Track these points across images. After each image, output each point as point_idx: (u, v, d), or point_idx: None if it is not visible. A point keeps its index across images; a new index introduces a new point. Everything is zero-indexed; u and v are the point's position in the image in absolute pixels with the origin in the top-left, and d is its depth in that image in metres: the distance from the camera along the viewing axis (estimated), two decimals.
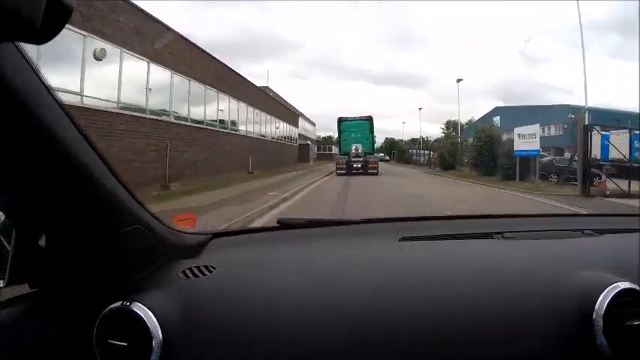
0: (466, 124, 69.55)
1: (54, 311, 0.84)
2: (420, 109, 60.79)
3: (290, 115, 37.47)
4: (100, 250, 0.81)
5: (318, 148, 67.66)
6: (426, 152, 41.79)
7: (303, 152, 41.43)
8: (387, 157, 71.60)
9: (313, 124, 65.94)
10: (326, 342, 0.80)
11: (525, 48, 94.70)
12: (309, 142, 45.02)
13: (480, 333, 0.83)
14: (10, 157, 0.65)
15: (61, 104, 0.65)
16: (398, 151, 55.41)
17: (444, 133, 67.77)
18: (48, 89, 0.62)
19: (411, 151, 48.70)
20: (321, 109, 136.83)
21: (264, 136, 26.21)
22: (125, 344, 0.76)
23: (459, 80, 37.27)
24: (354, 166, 21.64)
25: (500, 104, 60.65)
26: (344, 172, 21.39)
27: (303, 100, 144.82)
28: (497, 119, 42.68)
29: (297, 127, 39.95)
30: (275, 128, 29.67)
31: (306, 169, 28.44)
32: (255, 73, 53.27)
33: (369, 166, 21.71)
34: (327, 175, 22.48)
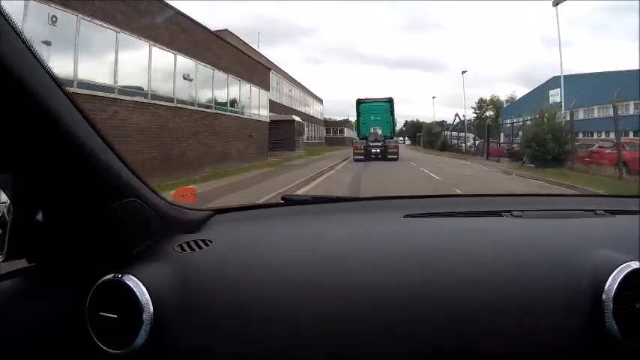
0: (506, 101, 61.20)
1: (51, 285, 0.86)
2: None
3: (250, 67, 21.11)
4: (96, 223, 0.83)
5: (327, 131, 60.53)
6: (473, 136, 33.98)
7: (284, 134, 25.58)
8: (409, 141, 67.50)
9: (319, 100, 56.19)
10: (326, 315, 0.81)
11: (545, 32, 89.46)
12: (295, 119, 28.68)
13: (487, 308, 0.84)
14: (5, 131, 0.67)
15: (55, 78, 0.68)
16: (426, 134, 45.28)
17: (476, 113, 58.67)
18: (41, 63, 0.65)
19: (448, 133, 39.68)
20: (339, 94, 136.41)
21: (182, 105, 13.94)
22: (115, 316, 0.78)
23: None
24: (373, 151, 21.15)
25: (522, 89, 55.04)
26: (362, 157, 20.88)
27: (319, 86, 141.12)
28: (555, 93, 35.49)
29: (268, 90, 23.90)
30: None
31: (269, 168, 16.35)
32: (270, 57, 37.92)
33: (389, 150, 21.13)
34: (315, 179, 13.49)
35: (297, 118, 29.45)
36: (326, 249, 0.96)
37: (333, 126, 62.76)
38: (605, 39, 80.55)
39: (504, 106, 59.09)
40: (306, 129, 42.95)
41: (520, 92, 47.93)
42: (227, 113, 17.87)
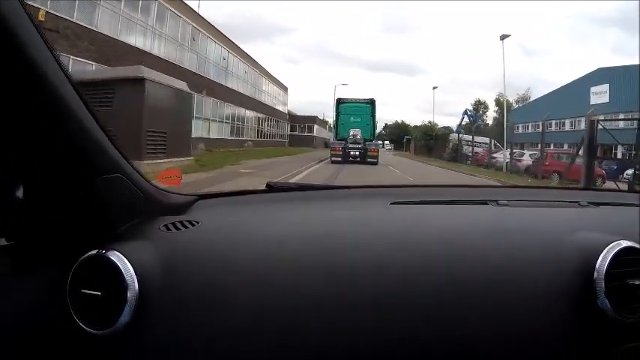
0: (516, 101, 51.53)
1: (31, 263, 0.85)
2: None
3: None
4: (79, 198, 0.81)
5: (292, 128, 49.41)
6: (495, 142, 24.07)
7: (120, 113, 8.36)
8: (389, 146, 65.07)
9: (283, 87, 43.67)
10: (313, 296, 0.81)
11: (525, 40, 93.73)
12: (151, 76, 9.66)
13: (478, 296, 0.84)
14: None
15: (52, 50, 0.66)
16: (422, 137, 33.43)
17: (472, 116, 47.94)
18: (32, 20, 0.62)
19: (456, 135, 28.78)
20: (317, 95, 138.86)
21: None
22: (99, 294, 0.76)
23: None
24: (352, 153, 20.18)
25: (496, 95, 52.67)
26: (339, 159, 19.81)
27: (297, 86, 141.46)
28: (600, 90, 30.18)
29: None
30: None
31: None
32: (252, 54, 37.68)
33: (369, 154, 20.27)
34: None
35: (163, 79, 10.48)
36: (312, 232, 0.96)
37: (299, 122, 50.54)
38: (584, 48, 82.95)
39: (514, 107, 48.99)
40: (252, 121, 30.36)
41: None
42: None
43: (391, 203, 1.12)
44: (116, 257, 0.78)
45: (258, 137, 33.95)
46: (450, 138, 28.40)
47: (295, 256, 0.86)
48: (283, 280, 0.82)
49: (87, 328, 0.75)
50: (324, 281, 0.82)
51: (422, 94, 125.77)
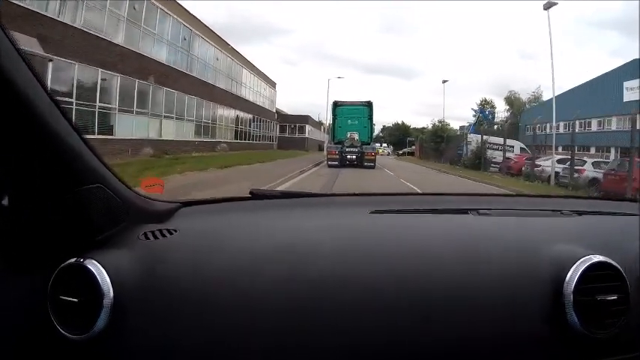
0: (527, 101, 46.66)
1: (12, 271, 0.87)
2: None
3: None
4: (61, 208, 0.84)
5: (282, 129, 44.80)
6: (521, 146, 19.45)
7: None
8: (388, 149, 62.40)
9: (270, 82, 38.67)
10: (289, 305, 0.83)
11: (523, 45, 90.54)
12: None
13: (450, 304, 0.86)
14: None
15: (23, 56, 0.68)
16: (431, 138, 28.62)
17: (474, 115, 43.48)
18: (10, 40, 0.65)
19: (475, 136, 24.09)
20: (312, 97, 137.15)
21: None
22: (76, 300, 0.80)
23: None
24: (348, 157, 19.71)
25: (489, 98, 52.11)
26: (336, 163, 19.46)
27: (293, 88, 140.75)
28: (633, 86, 25.74)
29: None
30: None
31: None
32: (249, 56, 39.09)
33: (366, 157, 19.83)
34: None
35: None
36: (292, 241, 0.97)
37: (290, 122, 45.45)
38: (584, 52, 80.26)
39: (526, 107, 44.23)
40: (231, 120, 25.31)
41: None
42: None
43: (371, 212, 1.13)
44: (93, 266, 0.81)
45: (236, 139, 28.84)
46: (469, 139, 23.30)
47: (271, 269, 0.87)
48: (255, 292, 0.83)
49: (66, 334, 0.78)
50: (302, 291, 0.84)
51: (419, 97, 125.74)
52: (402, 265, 0.90)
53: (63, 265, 0.82)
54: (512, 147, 21.95)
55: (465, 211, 1.17)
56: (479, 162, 20.49)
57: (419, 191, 9.99)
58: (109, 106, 14.80)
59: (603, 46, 74.90)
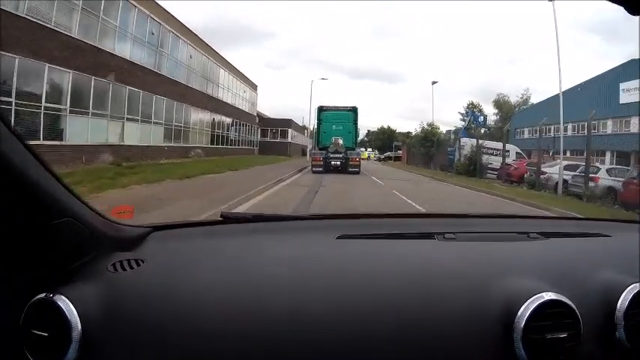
0: (516, 106, 46.02)
1: None
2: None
3: None
4: (30, 243, 0.85)
5: (263, 133, 43.27)
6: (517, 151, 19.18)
7: None
8: (372, 153, 61.42)
9: (251, 84, 37.16)
10: (249, 338, 0.85)
11: (508, 50, 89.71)
12: None
13: (403, 335, 0.88)
14: None
15: None
16: (421, 142, 27.35)
17: (464, 120, 42.66)
18: None
19: (468, 140, 22.58)
20: (296, 101, 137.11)
21: None
22: (46, 334, 0.83)
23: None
24: (333, 163, 19.81)
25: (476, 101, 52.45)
26: (321, 169, 19.40)
27: (280, 92, 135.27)
28: (630, 87, 24.87)
29: None
30: None
31: None
32: (230, 59, 36.67)
33: (351, 163, 19.81)
34: None
35: None
36: (258, 272, 0.98)
37: (272, 126, 43.75)
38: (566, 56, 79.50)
39: (515, 110, 43.56)
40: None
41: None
42: None
43: (338, 237, 1.14)
44: (61, 301, 0.84)
45: (213, 144, 27.02)
46: (462, 143, 21.92)
47: (232, 301, 0.89)
48: (215, 325, 0.85)
49: None
50: (266, 323, 0.86)
51: (403, 102, 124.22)
52: (357, 297, 0.91)
53: (33, 300, 0.84)
54: (508, 152, 20.38)
55: (430, 236, 1.18)
56: (474, 168, 19.12)
57: (417, 207, 8.97)
58: (59, 106, 12.76)
59: (596, 49, 75.60)
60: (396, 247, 1.13)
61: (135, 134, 17.10)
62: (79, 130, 13.58)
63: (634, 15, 0.54)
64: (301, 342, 0.84)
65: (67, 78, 13.06)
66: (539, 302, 0.87)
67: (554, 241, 1.19)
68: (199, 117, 24.90)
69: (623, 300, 0.92)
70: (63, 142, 12.77)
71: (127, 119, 16.51)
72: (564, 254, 1.13)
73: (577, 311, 0.88)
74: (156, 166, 14.24)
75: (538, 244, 1.18)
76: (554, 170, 13.48)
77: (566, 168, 13.17)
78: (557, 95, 34.63)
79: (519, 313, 0.86)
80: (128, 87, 16.41)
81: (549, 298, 0.88)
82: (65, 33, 12.88)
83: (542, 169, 13.98)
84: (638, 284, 0.94)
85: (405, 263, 1.03)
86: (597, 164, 12.96)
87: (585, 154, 12.85)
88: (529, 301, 0.87)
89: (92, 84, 14.18)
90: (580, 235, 1.25)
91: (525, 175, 15.28)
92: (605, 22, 40.79)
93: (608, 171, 12.00)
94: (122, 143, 16.05)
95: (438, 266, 1.02)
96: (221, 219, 1.22)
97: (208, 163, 18.39)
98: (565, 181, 12.80)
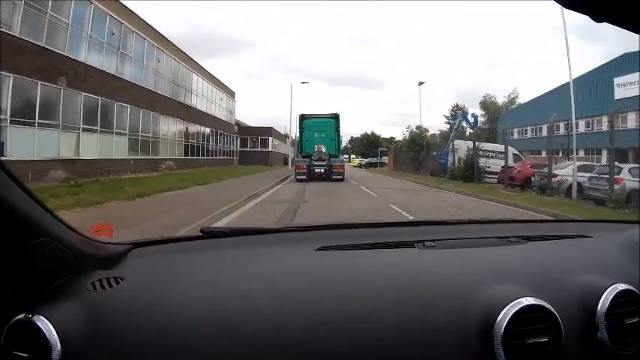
0: (503, 107, 45.45)
1: None
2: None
3: None
4: (8, 264, 0.85)
5: (243, 142, 41.57)
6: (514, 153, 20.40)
7: None
8: (358, 159, 60.57)
9: (228, 92, 35.69)
10: (231, 352, 0.85)
11: (492, 52, 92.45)
12: None
13: (384, 346, 0.88)
14: None
15: None
16: (410, 146, 26.07)
17: (450, 123, 42.07)
18: None
19: (463, 143, 21.28)
20: (277, 110, 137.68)
21: None
22: (26, 356, 0.83)
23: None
24: (317, 171, 19.94)
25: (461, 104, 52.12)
26: (304, 177, 19.54)
27: (262, 102, 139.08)
28: (624, 82, 24.64)
29: None
30: None
31: None
32: (209, 69, 36.24)
33: (334, 170, 19.91)
34: None
35: None
36: (238, 287, 0.98)
37: (252, 135, 42.01)
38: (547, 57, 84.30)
39: (503, 111, 42.93)
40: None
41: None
42: None
43: (317, 249, 1.14)
44: (41, 322, 0.83)
45: (187, 155, 25.18)
46: (456, 146, 20.59)
47: (212, 318, 0.89)
48: (196, 342, 0.85)
49: None
50: (246, 337, 0.86)
51: (386, 107, 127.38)
52: (337, 309, 0.91)
53: (12, 321, 0.84)
54: (502, 152, 19.15)
55: (410, 244, 1.18)
56: (471, 172, 17.74)
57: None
58: None
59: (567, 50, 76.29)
60: (376, 257, 1.13)
61: (93, 147, 15.20)
62: (23, 143, 11.62)
63: (599, 22, 0.61)
64: (284, 356, 0.84)
65: (6, 83, 11.16)
66: (519, 307, 0.88)
67: (534, 245, 1.22)
68: (171, 126, 23.09)
69: (604, 301, 0.93)
70: (3, 157, 10.80)
71: (83, 130, 14.60)
72: (544, 257, 1.14)
73: (557, 315, 0.89)
74: (113, 183, 12.38)
75: (519, 248, 1.19)
76: (566, 172, 12.13)
77: (580, 169, 11.84)
78: (544, 95, 33.96)
79: (498, 319, 0.87)
80: (84, 93, 14.51)
81: (528, 303, 0.89)
82: (4, 31, 11.01)
83: (554, 172, 12.58)
84: (618, 284, 0.96)
85: (384, 273, 1.03)
86: (618, 164, 11.61)
87: (607, 153, 11.52)
88: (508, 306, 0.88)
89: (39, 90, 12.27)
90: (561, 238, 1.28)
91: (533, 179, 13.88)
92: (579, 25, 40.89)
93: (630, 171, 10.68)
94: (78, 157, 14.15)
95: (418, 275, 1.02)
96: (201, 234, 1.23)
97: (176, 176, 16.75)
98: (579, 185, 11.46)
